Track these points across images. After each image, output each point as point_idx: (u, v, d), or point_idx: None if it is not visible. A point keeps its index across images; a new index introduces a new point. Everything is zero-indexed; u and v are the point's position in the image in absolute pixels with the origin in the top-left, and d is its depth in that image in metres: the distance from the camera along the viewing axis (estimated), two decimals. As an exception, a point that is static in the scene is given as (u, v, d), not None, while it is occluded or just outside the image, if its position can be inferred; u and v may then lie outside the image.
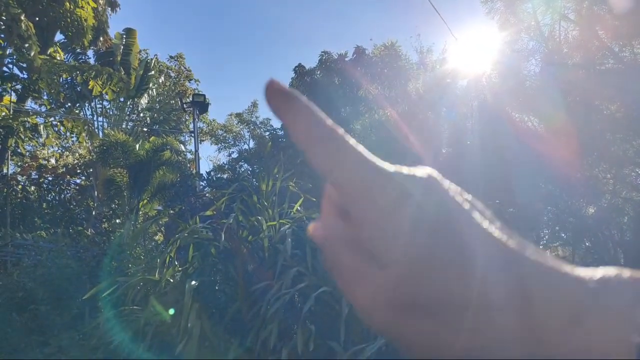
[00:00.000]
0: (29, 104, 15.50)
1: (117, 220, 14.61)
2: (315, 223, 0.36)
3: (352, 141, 0.31)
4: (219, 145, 28.21)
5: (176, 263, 4.94)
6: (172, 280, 4.72)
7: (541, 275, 0.28)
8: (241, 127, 28.00)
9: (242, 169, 18.22)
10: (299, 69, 18.04)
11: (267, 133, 23.24)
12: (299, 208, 5.27)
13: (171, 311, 4.22)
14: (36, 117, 14.84)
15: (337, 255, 0.32)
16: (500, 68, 12.80)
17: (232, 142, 27.93)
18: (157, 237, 16.16)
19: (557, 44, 11.43)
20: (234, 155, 24.89)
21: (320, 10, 51.06)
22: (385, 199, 0.29)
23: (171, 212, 11.31)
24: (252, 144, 26.17)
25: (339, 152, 0.31)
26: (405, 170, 0.31)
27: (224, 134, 28.21)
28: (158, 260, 5.06)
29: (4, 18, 11.85)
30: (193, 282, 4.27)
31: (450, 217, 0.29)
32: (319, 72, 17.64)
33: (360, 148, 0.31)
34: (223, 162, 25.21)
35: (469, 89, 14.91)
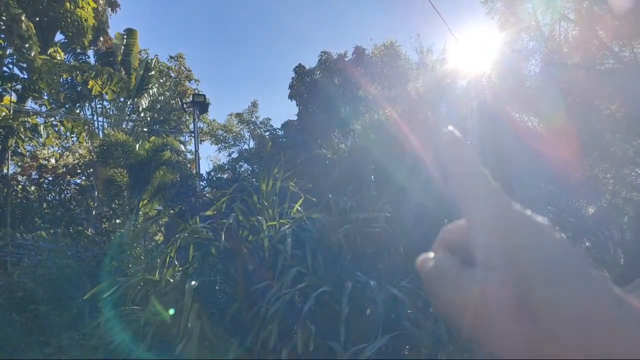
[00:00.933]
0: (29, 104, 15.52)
1: (118, 220, 14.62)
2: (426, 257, 0.39)
3: (500, 188, 0.36)
4: (219, 145, 28.23)
5: (176, 263, 4.94)
6: (172, 280, 4.73)
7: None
8: (241, 127, 28.02)
9: (242, 169, 18.23)
10: (299, 69, 18.05)
11: (267, 133, 23.25)
12: (299, 208, 5.27)
13: (171, 311, 4.23)
14: (36, 117, 14.86)
15: (451, 277, 0.36)
16: (500, 68, 12.80)
17: (232, 142, 27.95)
18: (157, 237, 16.17)
19: (557, 44, 11.43)
20: (234, 155, 24.90)
21: (320, 10, 51.07)
22: (508, 237, 0.33)
23: (171, 212, 11.31)
24: (252, 144, 26.19)
25: (492, 199, 0.36)
26: (532, 219, 0.35)
27: (224, 134, 28.22)
28: (158, 260, 5.07)
29: (4, 18, 11.85)
30: (193, 282, 4.27)
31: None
32: (318, 72, 17.65)
33: (499, 190, 0.36)
34: (223, 162, 25.23)
35: (469, 89, 14.91)
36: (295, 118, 18.25)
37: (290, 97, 18.24)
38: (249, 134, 27.27)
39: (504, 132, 10.74)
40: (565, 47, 11.38)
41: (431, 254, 0.39)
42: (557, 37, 11.52)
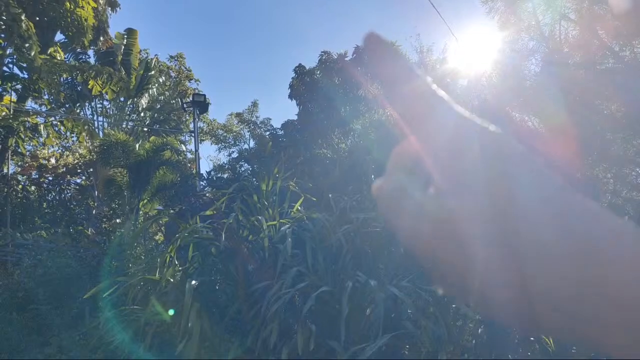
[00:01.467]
0: (29, 103, 15.53)
1: (118, 220, 14.62)
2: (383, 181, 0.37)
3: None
4: (219, 145, 28.25)
5: (176, 263, 4.94)
6: (172, 280, 4.72)
7: None
8: (241, 126, 28.03)
9: (243, 169, 18.22)
10: (299, 69, 18.06)
11: (267, 133, 23.25)
12: (299, 208, 5.27)
13: (171, 311, 4.23)
14: (36, 117, 14.86)
15: None
16: (501, 68, 12.80)
17: (232, 142, 27.96)
18: (157, 237, 16.17)
19: (557, 44, 11.42)
20: (234, 155, 24.89)
21: (321, 10, 51.09)
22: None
23: (171, 211, 11.31)
24: (252, 143, 26.20)
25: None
26: None
27: (224, 134, 28.23)
28: (158, 260, 5.07)
29: (5, 18, 11.85)
30: (193, 282, 4.27)
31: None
32: (319, 72, 17.66)
33: None
34: (223, 162, 25.23)
35: (469, 89, 14.92)
36: (296, 118, 18.26)
37: (290, 96, 18.24)
38: (249, 133, 27.29)
39: (504, 131, 10.75)
40: (566, 47, 11.38)
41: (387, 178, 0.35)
42: (558, 36, 11.52)
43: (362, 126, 16.58)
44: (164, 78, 22.05)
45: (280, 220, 4.87)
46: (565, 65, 10.77)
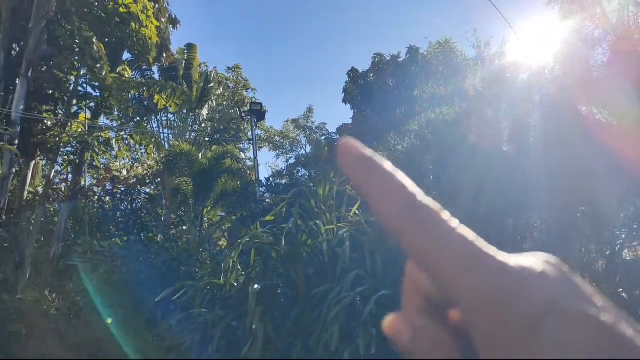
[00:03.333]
0: (102, 119, 16.62)
1: (184, 227, 15.29)
2: (396, 320, 0.29)
3: (454, 223, 0.26)
4: (277, 151, 28.81)
5: (239, 267, 5.11)
6: (236, 284, 4.90)
7: None
8: (297, 132, 28.44)
9: (300, 174, 18.48)
10: (352, 73, 18.09)
11: (323, 138, 23.44)
12: (356, 211, 5.30)
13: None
14: (108, 132, 15.87)
15: None
16: (564, 59, 12.17)
17: (289, 148, 28.42)
18: (220, 243, 16.75)
19: (626, 31, 10.71)
20: (292, 161, 25.27)
21: (372, 11, 50.84)
22: (525, 315, 0.23)
23: (233, 218, 11.69)
24: (308, 149, 26.50)
25: (438, 236, 0.25)
26: (534, 264, 0.25)
27: (281, 140, 28.76)
28: (222, 264, 5.26)
29: (78, 41, 12.79)
30: (256, 286, 4.41)
31: (596, 346, 0.22)
32: (372, 75, 17.60)
33: (471, 235, 0.25)
34: (281, 168, 25.69)
35: (531, 83, 14.28)
36: (350, 121, 18.29)
37: (345, 100, 18.31)
38: (305, 139, 27.64)
39: (570, 127, 10.20)
40: (636, 33, 10.64)
41: (403, 317, 0.29)
42: (626, 23, 10.80)
43: (418, 126, 16.32)
44: (222, 89, 22.86)
45: (338, 224, 4.92)
46: (637, 53, 10.07)
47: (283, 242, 4.55)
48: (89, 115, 15.37)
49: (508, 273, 0.24)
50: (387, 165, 0.27)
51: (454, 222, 0.26)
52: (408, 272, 0.29)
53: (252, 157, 17.05)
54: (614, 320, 0.23)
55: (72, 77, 13.83)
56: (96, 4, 14.00)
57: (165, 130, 19.71)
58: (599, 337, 0.22)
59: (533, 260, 0.25)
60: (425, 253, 0.25)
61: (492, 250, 0.25)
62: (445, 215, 0.26)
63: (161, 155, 16.29)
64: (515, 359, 0.22)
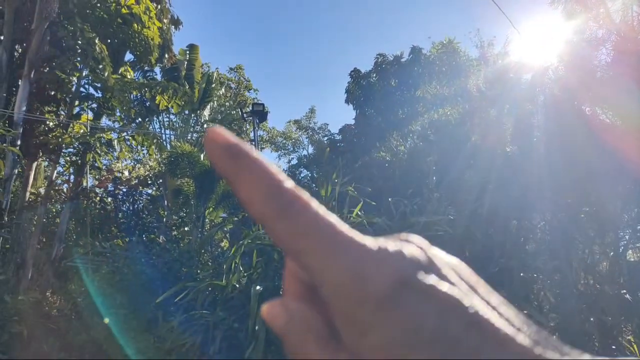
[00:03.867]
0: (104, 120, 16.64)
1: (186, 228, 15.28)
2: (274, 305, 0.29)
3: (321, 210, 0.27)
4: (279, 152, 28.84)
5: (241, 269, 5.09)
6: (237, 286, 4.87)
7: None
8: (299, 133, 28.45)
9: (302, 175, 18.47)
10: (355, 73, 18.06)
11: (325, 138, 23.44)
12: (358, 212, 5.27)
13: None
14: (110, 133, 15.87)
15: (306, 349, 0.26)
16: (568, 59, 12.13)
17: (292, 149, 28.44)
18: (222, 244, 16.74)
19: (630, 30, 10.66)
20: (294, 162, 25.29)
21: (374, 11, 50.85)
22: (377, 295, 0.24)
23: (235, 219, 11.67)
24: (310, 149, 26.49)
25: (306, 225, 0.25)
26: (392, 246, 0.26)
27: (284, 141, 28.77)
28: (224, 266, 5.24)
29: (80, 42, 12.80)
30: (258, 287, 4.38)
31: (447, 322, 0.24)
32: (374, 75, 17.57)
33: (333, 219, 0.26)
34: (283, 169, 25.69)
35: (534, 83, 14.23)
36: (353, 122, 18.27)
37: (347, 101, 18.28)
38: (307, 140, 27.65)
39: (574, 127, 10.15)
40: (641, 33, 10.59)
41: (281, 302, 0.29)
42: (630, 22, 10.74)
43: (421, 127, 16.28)
44: (224, 90, 22.87)
45: (341, 226, 4.89)
46: (641, 52, 10.02)
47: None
48: (91, 116, 15.38)
49: (366, 254, 0.25)
50: (253, 152, 0.27)
51: (318, 208, 0.26)
52: (288, 263, 0.30)
53: (254, 157, 17.01)
54: (465, 296, 0.24)
55: (75, 78, 13.84)
56: (98, 5, 14.02)
57: (167, 131, 19.72)
58: (445, 310, 0.24)
59: (392, 242, 0.26)
60: (290, 239, 0.25)
61: (353, 233, 0.26)
62: (310, 200, 0.26)
63: (163, 156, 16.28)
64: (372, 336, 0.23)
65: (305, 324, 0.27)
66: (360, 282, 0.24)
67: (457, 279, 0.26)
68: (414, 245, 0.27)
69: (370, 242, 0.26)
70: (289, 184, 0.27)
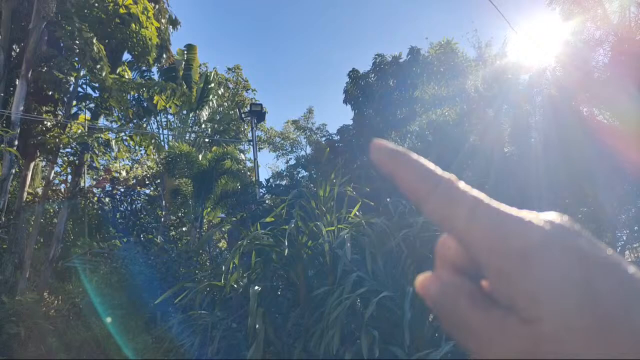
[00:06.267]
0: (102, 121, 16.61)
1: (184, 228, 15.27)
2: (427, 278, 0.32)
3: (467, 187, 0.31)
4: (277, 152, 28.81)
5: (240, 269, 5.08)
6: (236, 286, 4.87)
7: None
8: (298, 133, 28.44)
9: (300, 176, 18.46)
10: (353, 74, 18.05)
11: (324, 139, 23.44)
12: (357, 213, 5.27)
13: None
14: (108, 133, 15.85)
15: (463, 314, 0.29)
16: (565, 60, 12.15)
17: (290, 149, 28.43)
18: (220, 244, 16.72)
19: (627, 32, 10.69)
20: (292, 162, 25.26)
21: (373, 11, 50.88)
22: (521, 248, 0.27)
23: (233, 219, 11.66)
24: (309, 150, 26.50)
25: (454, 199, 0.30)
26: (535, 215, 0.29)
27: (282, 141, 28.76)
28: (223, 266, 5.23)
29: (78, 42, 12.77)
30: (256, 288, 4.37)
31: (597, 272, 0.26)
32: (373, 76, 17.57)
33: (479, 193, 0.30)
34: (281, 169, 25.66)
35: (532, 84, 14.26)
36: (351, 122, 18.26)
37: (345, 101, 18.27)
38: (305, 140, 27.65)
39: (572, 128, 10.18)
40: (638, 34, 10.61)
41: (433, 275, 0.32)
42: (627, 24, 10.77)
43: (419, 127, 16.30)
44: (222, 90, 22.84)
45: (339, 226, 4.89)
46: (638, 54, 10.04)
47: (286, 244, 4.52)
48: (88, 116, 15.35)
49: (507, 214, 0.28)
50: (410, 152, 0.33)
51: (462, 184, 0.31)
52: (440, 242, 0.33)
53: (252, 158, 17.03)
54: (620, 261, 0.26)
55: (72, 78, 13.80)
56: (96, 5, 13.99)
57: (165, 132, 19.69)
58: (594, 266, 0.26)
59: (539, 214, 0.29)
60: (441, 209, 0.30)
61: (496, 202, 0.30)
62: (456, 179, 0.31)
63: (161, 157, 16.27)
64: (519, 285, 0.26)
65: (458, 289, 0.30)
66: (504, 237, 0.27)
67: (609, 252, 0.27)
68: (558, 214, 0.29)
69: (509, 208, 0.29)
70: (438, 169, 0.32)
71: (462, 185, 0.30)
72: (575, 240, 0.27)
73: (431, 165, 0.32)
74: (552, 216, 0.29)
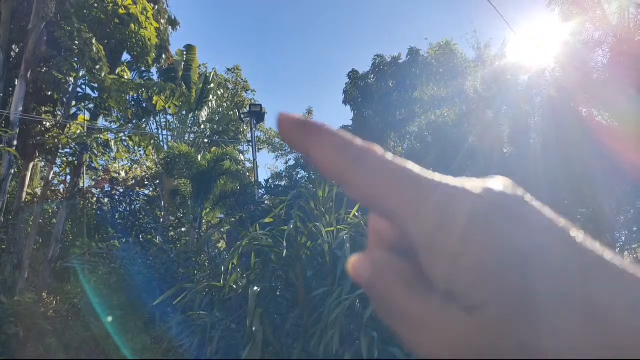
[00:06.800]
0: (101, 121, 16.59)
1: (183, 229, 15.25)
2: (358, 258, 0.29)
3: (395, 158, 0.26)
4: (276, 153, 28.82)
5: (239, 270, 5.08)
6: (235, 287, 4.86)
7: None
8: (297, 134, 28.45)
9: (299, 176, 18.46)
10: (353, 75, 18.07)
11: (323, 139, 23.38)
12: (356, 213, 5.27)
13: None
14: (107, 134, 15.82)
15: (395, 297, 0.26)
16: (565, 61, 12.16)
17: (289, 150, 28.42)
18: (219, 245, 16.71)
19: (626, 33, 10.70)
20: (291, 163, 25.25)
21: (372, 12, 50.93)
22: (457, 222, 0.23)
23: (232, 220, 11.66)
24: (308, 150, 26.45)
25: (379, 172, 0.26)
26: (473, 183, 0.25)
27: (281, 142, 28.76)
28: (222, 267, 5.23)
29: (77, 42, 12.76)
30: (255, 288, 4.37)
31: (544, 242, 0.23)
32: (372, 76, 17.58)
33: (407, 163, 0.26)
34: (280, 170, 25.67)
35: (531, 85, 14.27)
36: (350, 123, 18.26)
37: (345, 102, 18.28)
38: (305, 140, 27.64)
39: (571, 129, 10.19)
40: (637, 35, 10.63)
41: (365, 254, 0.29)
42: (626, 25, 10.78)
43: (418, 128, 16.31)
44: (222, 90, 22.83)
45: (338, 227, 4.89)
46: (637, 55, 10.06)
47: (285, 244, 4.52)
48: (87, 116, 15.33)
49: (443, 184, 0.25)
50: (319, 122, 0.28)
51: (389, 155, 0.26)
52: (371, 220, 0.30)
53: (252, 158, 17.03)
54: (565, 226, 0.24)
55: (71, 79, 13.79)
56: (96, 5, 13.98)
57: (164, 132, 19.68)
58: (541, 232, 0.23)
59: (480, 180, 0.26)
60: (366, 184, 0.26)
61: (428, 173, 0.26)
62: (380, 149, 0.27)
63: (160, 157, 16.24)
64: (462, 261, 0.23)
65: (392, 270, 0.26)
66: (437, 209, 0.24)
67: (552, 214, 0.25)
68: (502, 179, 0.26)
69: (444, 177, 0.26)
70: (357, 140, 0.27)
71: (387, 155, 0.27)
72: (519, 208, 0.24)
73: (348, 136, 0.27)
74: (493, 182, 0.26)
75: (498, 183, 0.25)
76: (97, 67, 13.09)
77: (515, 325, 0.21)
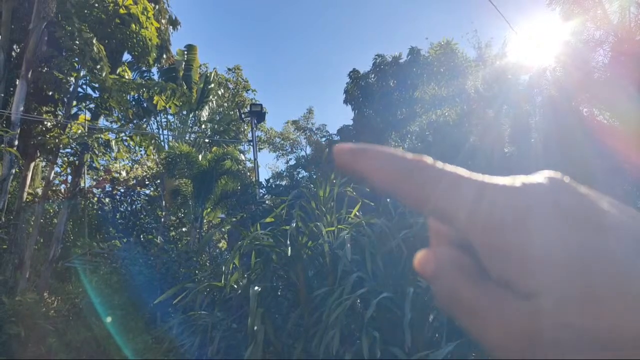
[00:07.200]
0: (102, 121, 16.59)
1: (184, 229, 15.26)
2: (423, 254, 0.31)
3: (441, 164, 0.28)
4: (277, 152, 28.82)
5: (240, 270, 5.08)
6: (236, 287, 4.86)
7: None
8: (298, 134, 28.45)
9: (300, 176, 18.47)
10: (354, 74, 18.08)
11: (324, 139, 23.46)
12: (357, 213, 5.27)
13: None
14: (108, 133, 15.83)
15: (458, 289, 0.27)
16: (566, 61, 12.15)
17: (290, 149, 28.44)
18: (220, 244, 16.72)
19: (627, 32, 10.68)
20: (292, 163, 25.27)
21: (373, 11, 50.91)
22: (506, 218, 0.25)
23: (233, 219, 11.66)
24: (308, 150, 26.49)
25: (432, 180, 0.27)
26: (521, 179, 0.27)
27: (282, 142, 28.77)
28: (223, 267, 5.23)
29: (78, 42, 12.77)
30: (256, 288, 4.37)
31: (600, 232, 0.24)
32: (373, 76, 17.58)
33: (456, 168, 0.28)
34: (281, 170, 25.69)
35: (532, 84, 14.26)
36: (351, 123, 18.28)
37: (346, 102, 18.29)
38: (305, 140, 27.65)
39: (572, 128, 10.18)
40: (638, 35, 10.61)
41: (429, 250, 0.31)
42: (627, 24, 10.76)
43: (419, 128, 16.31)
44: (222, 90, 22.83)
45: (339, 226, 4.89)
46: (638, 54, 10.04)
47: (288, 243, 4.52)
48: (88, 116, 15.33)
49: (488, 184, 0.27)
50: (372, 145, 0.30)
51: (438, 163, 0.28)
52: (431, 224, 0.32)
53: (252, 158, 17.03)
54: (622, 222, 0.24)
55: (72, 79, 13.79)
56: (96, 5, 13.98)
57: (165, 132, 19.69)
58: (590, 233, 0.24)
59: (529, 176, 0.27)
60: (420, 191, 0.27)
61: (484, 176, 0.28)
62: (429, 159, 0.29)
63: (161, 157, 16.25)
64: (508, 262, 0.24)
65: (454, 263, 0.28)
66: (488, 208, 0.25)
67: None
68: (549, 173, 0.27)
69: (491, 177, 0.27)
70: (408, 154, 0.29)
71: (438, 163, 0.28)
72: (568, 201, 0.25)
73: (399, 152, 0.29)
74: (541, 177, 0.27)
75: (546, 177, 0.27)
76: (98, 67, 13.10)
77: (570, 311, 0.22)
